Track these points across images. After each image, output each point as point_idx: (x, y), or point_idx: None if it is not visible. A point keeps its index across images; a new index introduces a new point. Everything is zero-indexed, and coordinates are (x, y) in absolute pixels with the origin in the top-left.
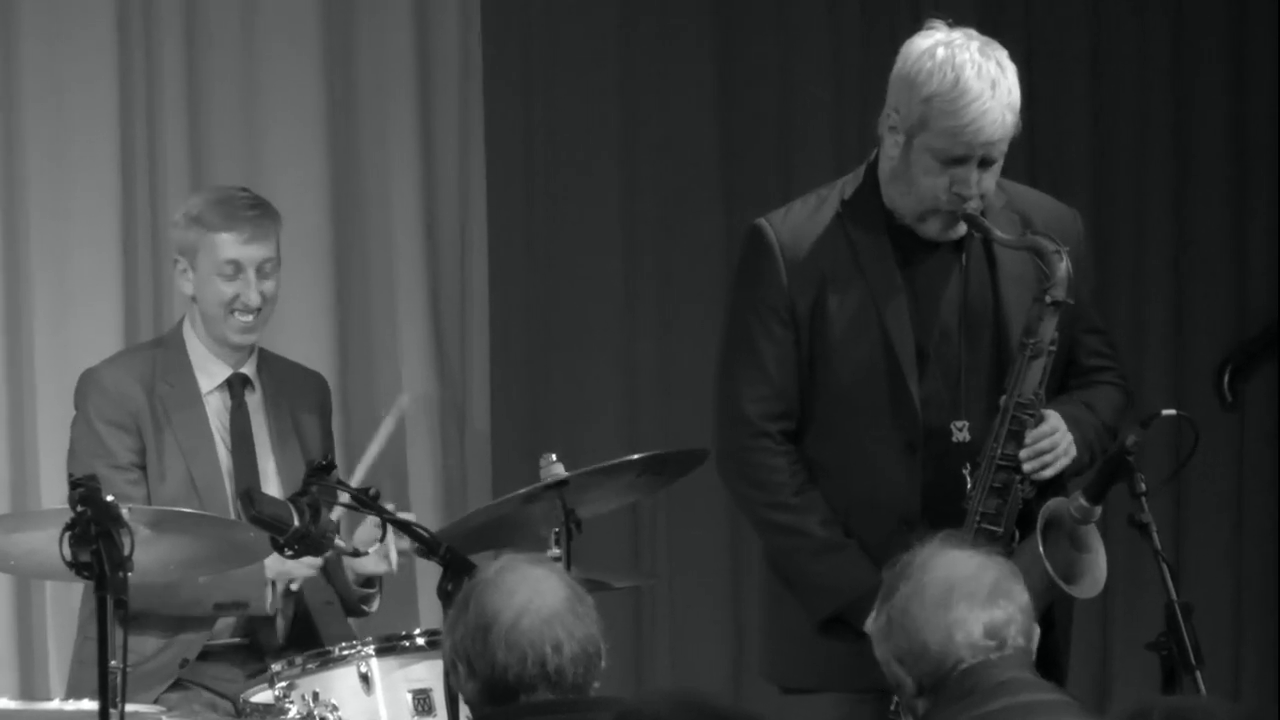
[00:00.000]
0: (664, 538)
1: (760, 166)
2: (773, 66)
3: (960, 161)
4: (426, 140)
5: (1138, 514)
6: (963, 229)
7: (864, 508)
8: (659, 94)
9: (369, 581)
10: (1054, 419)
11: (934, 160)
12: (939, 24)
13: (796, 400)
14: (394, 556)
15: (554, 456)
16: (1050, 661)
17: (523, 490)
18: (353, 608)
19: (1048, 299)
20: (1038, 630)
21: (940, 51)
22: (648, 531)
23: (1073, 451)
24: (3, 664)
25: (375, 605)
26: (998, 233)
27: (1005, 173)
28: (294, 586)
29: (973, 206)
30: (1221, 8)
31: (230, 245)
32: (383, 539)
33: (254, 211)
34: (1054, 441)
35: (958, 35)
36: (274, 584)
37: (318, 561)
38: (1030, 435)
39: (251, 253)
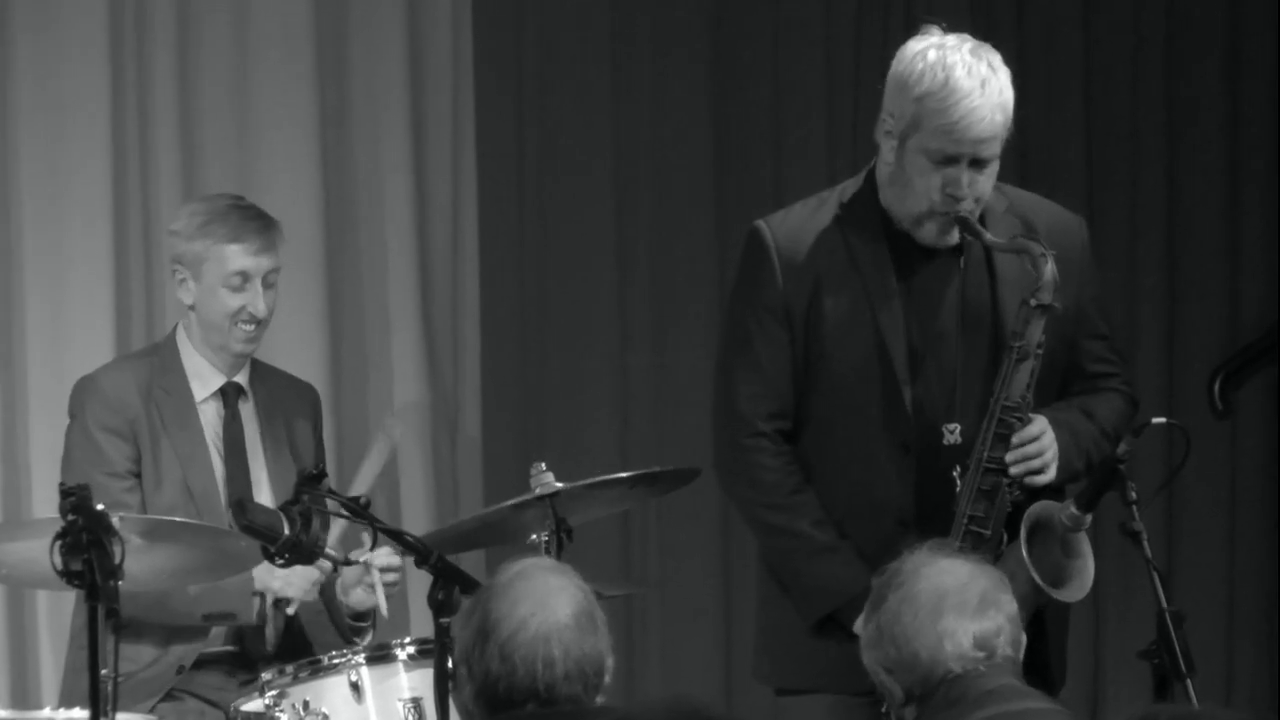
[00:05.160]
0: (655, 545)
1: (753, 172)
2: (765, 70)
3: (952, 161)
4: (418, 149)
5: (1129, 522)
6: (959, 235)
7: (858, 508)
8: (651, 106)
9: (361, 615)
10: (1040, 423)
11: (927, 161)
12: (934, 29)
13: (792, 399)
14: (383, 603)
15: (544, 465)
16: (1040, 670)
17: (512, 501)
18: (346, 638)
19: (1033, 302)
20: (1024, 638)
21: (932, 54)
22: (639, 539)
23: (1056, 457)
24: None
25: (368, 638)
26: (988, 236)
27: (998, 178)
28: (289, 610)
29: (966, 208)
30: (1215, 12)
31: (239, 256)
32: (373, 546)
33: (260, 222)
34: (1040, 446)
35: (951, 38)
36: (262, 596)
37: (312, 577)
38: (1016, 438)
39: (260, 263)
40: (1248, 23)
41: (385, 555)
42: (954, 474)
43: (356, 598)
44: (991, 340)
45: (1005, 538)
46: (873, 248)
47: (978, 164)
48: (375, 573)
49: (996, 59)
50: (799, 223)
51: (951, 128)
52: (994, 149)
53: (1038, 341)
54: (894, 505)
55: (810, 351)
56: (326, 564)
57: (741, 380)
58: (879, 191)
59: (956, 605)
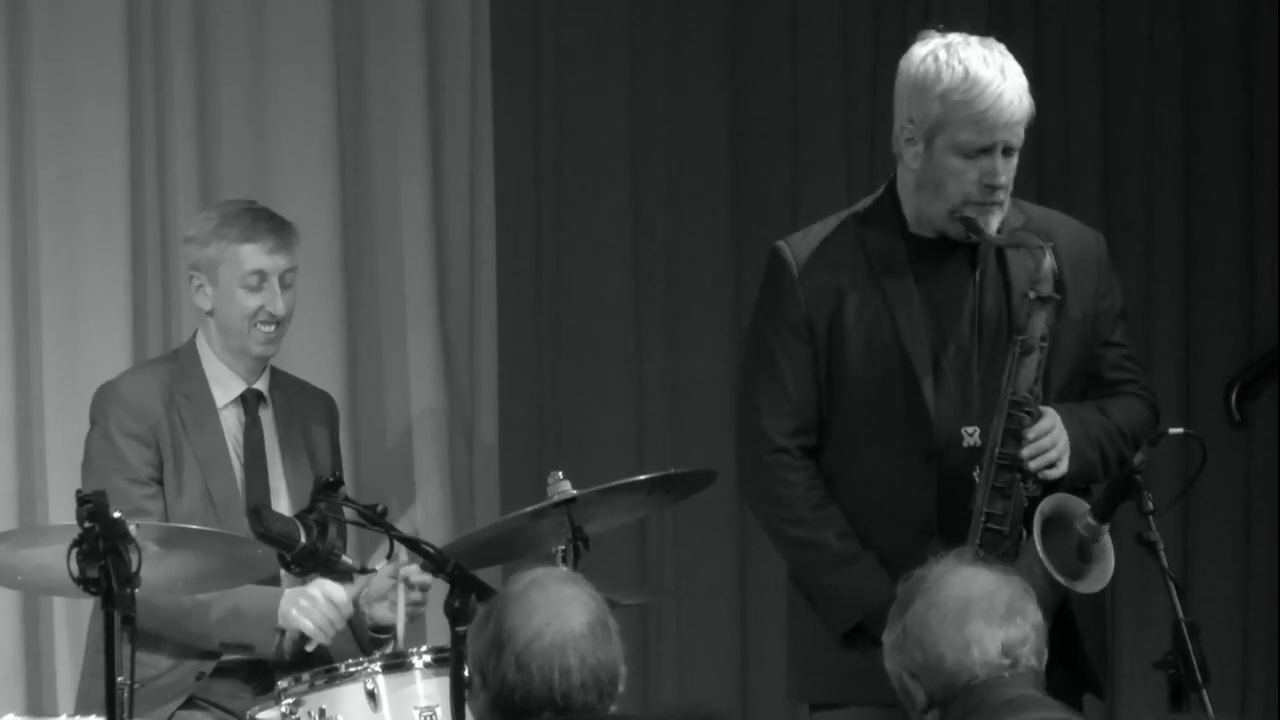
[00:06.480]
0: (672, 554)
1: (769, 173)
2: (782, 71)
3: (985, 151)
4: (436, 154)
5: (1145, 532)
6: (996, 221)
7: (882, 518)
8: (667, 108)
9: (383, 628)
10: (1051, 416)
11: (959, 157)
12: (931, 33)
13: (815, 416)
14: (402, 628)
15: (561, 474)
16: (1075, 678)
17: (530, 508)
18: (365, 649)
19: (1032, 294)
20: (1046, 650)
21: (941, 53)
22: (655, 548)
23: (1068, 448)
24: (10, 679)
25: (388, 649)
26: (989, 233)
27: (1015, 192)
28: (309, 648)
29: (1001, 197)
30: (1230, 15)
31: (255, 256)
32: (390, 555)
33: (274, 223)
34: (1053, 439)
35: (953, 36)
36: (284, 632)
37: (334, 619)
38: (1031, 432)
39: (276, 262)
40: (1263, 25)
41: (418, 571)
42: (974, 474)
43: (380, 613)
44: (1007, 344)
45: (1024, 534)
46: (891, 257)
47: (1008, 150)
48: (401, 591)
49: (1002, 47)
50: (818, 240)
51: (981, 117)
52: (1021, 133)
53: (1041, 334)
54: (918, 514)
55: (832, 365)
56: (349, 610)
57: (765, 399)
58: (902, 202)
59: (984, 611)
